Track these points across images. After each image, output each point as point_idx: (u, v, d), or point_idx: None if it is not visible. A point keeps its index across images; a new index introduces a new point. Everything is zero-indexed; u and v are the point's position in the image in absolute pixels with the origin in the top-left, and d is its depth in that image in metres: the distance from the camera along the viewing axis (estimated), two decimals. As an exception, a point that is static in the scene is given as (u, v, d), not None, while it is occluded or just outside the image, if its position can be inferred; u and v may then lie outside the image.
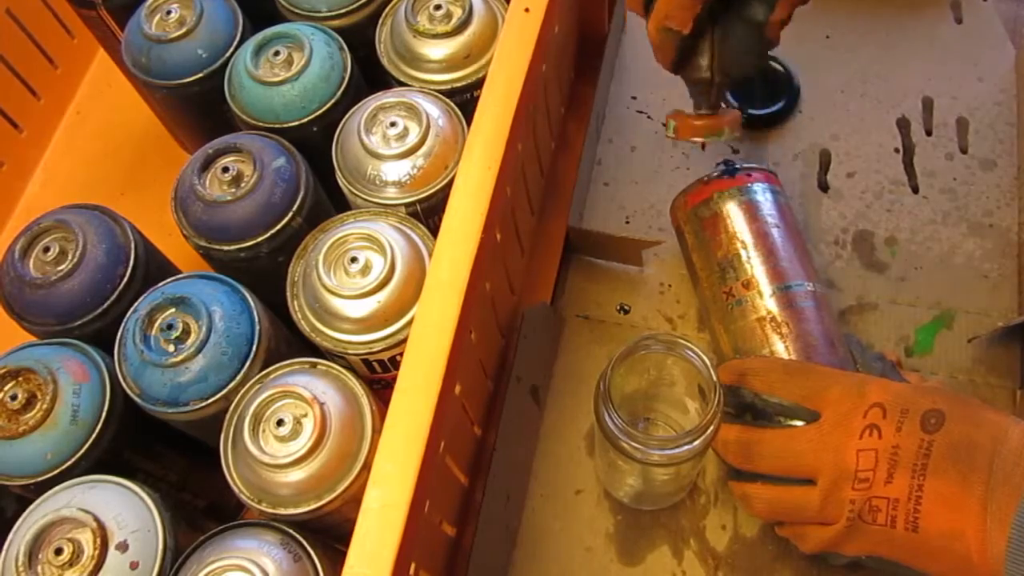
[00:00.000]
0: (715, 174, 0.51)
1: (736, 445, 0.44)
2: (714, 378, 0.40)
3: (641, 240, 0.54)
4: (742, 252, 0.49)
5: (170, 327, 0.39)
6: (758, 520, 0.49)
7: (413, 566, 0.35)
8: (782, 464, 0.43)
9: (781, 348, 0.47)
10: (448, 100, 0.45)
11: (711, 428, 0.40)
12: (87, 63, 0.68)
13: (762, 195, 0.51)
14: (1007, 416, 0.40)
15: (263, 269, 0.43)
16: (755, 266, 0.49)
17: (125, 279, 0.42)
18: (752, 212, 0.50)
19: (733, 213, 0.50)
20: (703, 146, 0.56)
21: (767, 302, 0.48)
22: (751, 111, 0.61)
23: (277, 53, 0.46)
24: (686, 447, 0.40)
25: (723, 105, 0.51)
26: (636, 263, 0.56)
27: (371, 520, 0.31)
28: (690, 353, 0.42)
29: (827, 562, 0.44)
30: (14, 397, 0.38)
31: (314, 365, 0.40)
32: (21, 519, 0.36)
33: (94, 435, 0.38)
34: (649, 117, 0.63)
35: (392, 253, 0.39)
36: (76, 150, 0.65)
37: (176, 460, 0.44)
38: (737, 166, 0.51)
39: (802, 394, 0.43)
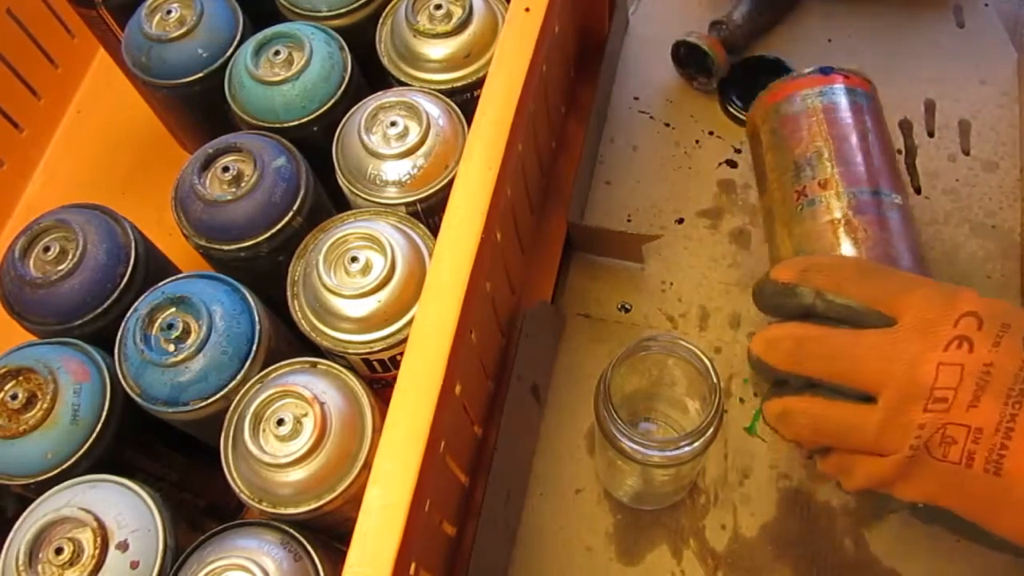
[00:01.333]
0: (806, 71, 0.47)
1: (788, 342, 0.36)
2: (714, 379, 0.40)
3: (642, 235, 0.54)
4: (824, 150, 0.44)
5: (170, 327, 0.39)
6: (758, 520, 0.49)
7: (413, 565, 0.35)
8: (840, 368, 0.35)
9: (853, 255, 0.41)
10: (448, 100, 0.45)
11: (711, 429, 0.40)
12: (87, 63, 0.68)
13: (857, 98, 0.45)
14: None
15: (263, 269, 0.43)
16: (836, 165, 0.43)
17: (125, 279, 0.42)
18: (842, 112, 0.45)
19: (820, 110, 0.45)
20: None
21: (844, 203, 0.41)
22: None
23: (277, 53, 0.46)
24: (686, 448, 0.40)
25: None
26: (637, 259, 0.56)
27: (371, 519, 0.31)
28: (691, 354, 0.41)
29: (878, 506, 0.37)
30: (14, 396, 0.38)
31: (314, 364, 0.40)
32: (21, 519, 0.36)
33: (94, 435, 0.38)
34: (651, 117, 0.63)
35: (392, 253, 0.39)
36: (76, 150, 0.65)
37: (176, 460, 0.44)
38: (832, 67, 0.46)
39: (877, 296, 0.35)
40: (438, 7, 0.46)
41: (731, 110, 0.62)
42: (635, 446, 0.40)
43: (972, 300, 0.34)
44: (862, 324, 0.35)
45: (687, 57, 0.62)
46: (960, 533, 0.33)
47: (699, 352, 0.41)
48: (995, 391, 0.31)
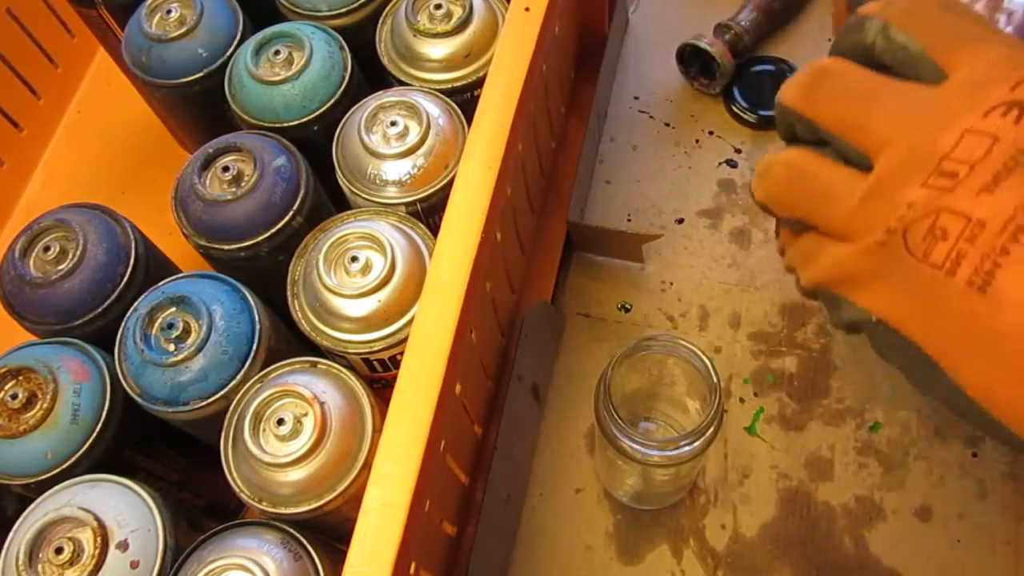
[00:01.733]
0: None
1: (809, 76, 0.29)
2: (714, 379, 0.40)
3: (641, 234, 0.54)
4: None
5: (170, 326, 0.39)
6: (758, 520, 0.49)
7: (413, 565, 0.35)
8: (854, 118, 0.27)
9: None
10: (448, 99, 0.45)
11: (711, 429, 0.40)
12: (87, 62, 0.68)
13: None
14: None
15: (263, 268, 0.43)
16: None
17: (125, 278, 0.42)
18: None
19: None
20: None
21: None
22: (761, 111, 0.61)
23: (277, 52, 0.46)
24: (686, 448, 0.40)
25: None
26: (637, 259, 0.56)
27: (371, 519, 0.31)
28: (691, 354, 0.41)
29: (832, 314, 0.28)
30: (14, 396, 0.38)
31: (314, 364, 0.40)
32: (21, 518, 0.36)
33: (94, 434, 0.38)
34: (651, 116, 0.63)
35: (392, 252, 0.39)
36: (76, 149, 0.65)
37: (176, 459, 0.44)
38: None
39: (938, 39, 0.27)
40: (438, 7, 0.46)
41: (735, 110, 0.62)
42: (635, 446, 0.40)
43: None
44: (914, 70, 0.26)
45: (692, 58, 0.62)
46: (921, 384, 0.24)
47: (699, 352, 0.41)
48: (1021, 180, 0.22)
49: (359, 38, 0.48)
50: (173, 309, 0.40)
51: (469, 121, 0.40)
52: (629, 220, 0.59)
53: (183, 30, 0.47)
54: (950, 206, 0.23)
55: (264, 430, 0.37)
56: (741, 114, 0.61)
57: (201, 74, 0.48)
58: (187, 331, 0.39)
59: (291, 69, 0.45)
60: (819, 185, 0.27)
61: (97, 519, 0.35)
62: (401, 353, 0.39)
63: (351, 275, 0.40)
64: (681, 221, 0.59)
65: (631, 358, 0.42)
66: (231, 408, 0.39)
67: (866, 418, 0.51)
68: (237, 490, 0.37)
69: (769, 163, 0.29)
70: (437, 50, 0.46)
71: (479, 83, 0.44)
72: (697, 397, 0.46)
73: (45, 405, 0.38)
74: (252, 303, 0.40)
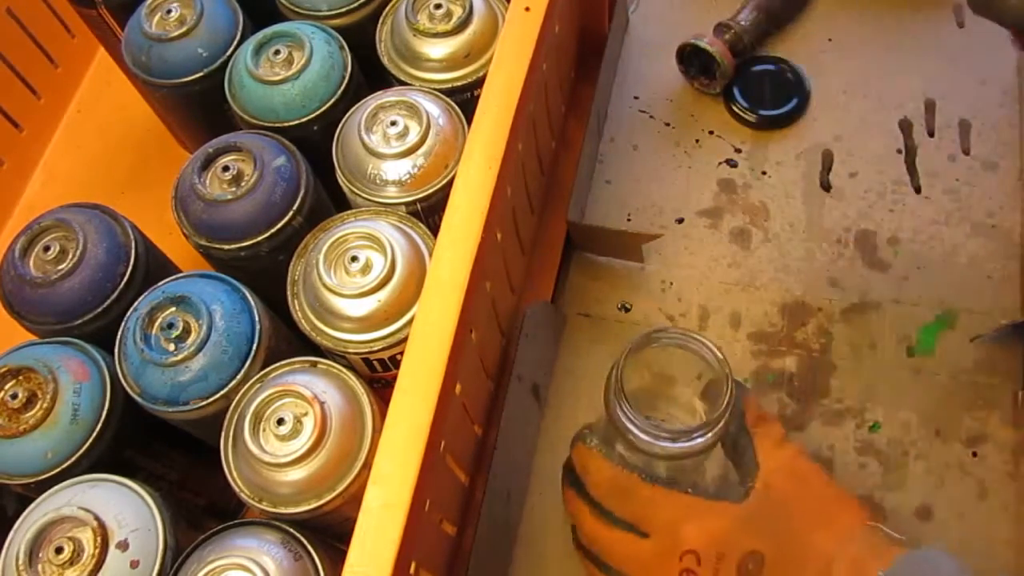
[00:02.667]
0: None
1: (611, 482, 0.41)
2: (725, 371, 0.40)
3: (641, 234, 0.54)
4: None
5: (170, 326, 0.39)
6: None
7: (413, 565, 0.35)
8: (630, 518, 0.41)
9: None
10: (448, 99, 0.45)
11: (722, 423, 0.39)
12: (87, 62, 0.68)
13: None
14: (841, 541, 0.37)
15: (263, 268, 0.43)
16: None
17: (125, 278, 0.42)
18: None
19: None
20: None
21: None
22: (761, 112, 0.61)
23: (277, 52, 0.46)
24: (699, 440, 0.39)
25: None
26: (637, 259, 0.56)
27: (371, 519, 0.31)
28: (702, 347, 0.41)
29: None
30: (14, 396, 0.38)
31: (314, 364, 0.40)
32: (22, 518, 0.36)
33: (94, 434, 0.38)
34: (651, 116, 0.63)
35: (392, 252, 0.39)
36: (76, 149, 0.65)
37: (176, 459, 0.44)
38: None
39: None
40: (438, 6, 0.46)
41: (735, 109, 0.62)
42: (646, 437, 0.40)
43: (694, 535, 0.39)
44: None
45: (692, 58, 0.62)
46: None
47: (711, 345, 0.40)
48: None
49: (359, 38, 0.48)
50: (173, 309, 0.40)
51: (469, 121, 0.40)
52: (629, 220, 0.59)
53: (183, 30, 0.47)
54: None
55: (264, 430, 0.37)
56: (741, 114, 0.61)
57: (201, 74, 0.48)
58: (187, 331, 0.39)
59: (291, 69, 0.45)
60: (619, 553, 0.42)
61: (97, 519, 0.35)
62: (401, 353, 0.39)
63: (351, 275, 0.40)
64: (681, 221, 0.59)
65: (644, 349, 0.42)
66: (231, 408, 0.38)
67: (866, 418, 0.51)
68: (237, 490, 0.37)
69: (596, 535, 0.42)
70: (437, 50, 0.46)
71: (479, 83, 0.44)
72: (706, 391, 0.45)
73: (45, 405, 0.38)
74: (252, 303, 0.40)
